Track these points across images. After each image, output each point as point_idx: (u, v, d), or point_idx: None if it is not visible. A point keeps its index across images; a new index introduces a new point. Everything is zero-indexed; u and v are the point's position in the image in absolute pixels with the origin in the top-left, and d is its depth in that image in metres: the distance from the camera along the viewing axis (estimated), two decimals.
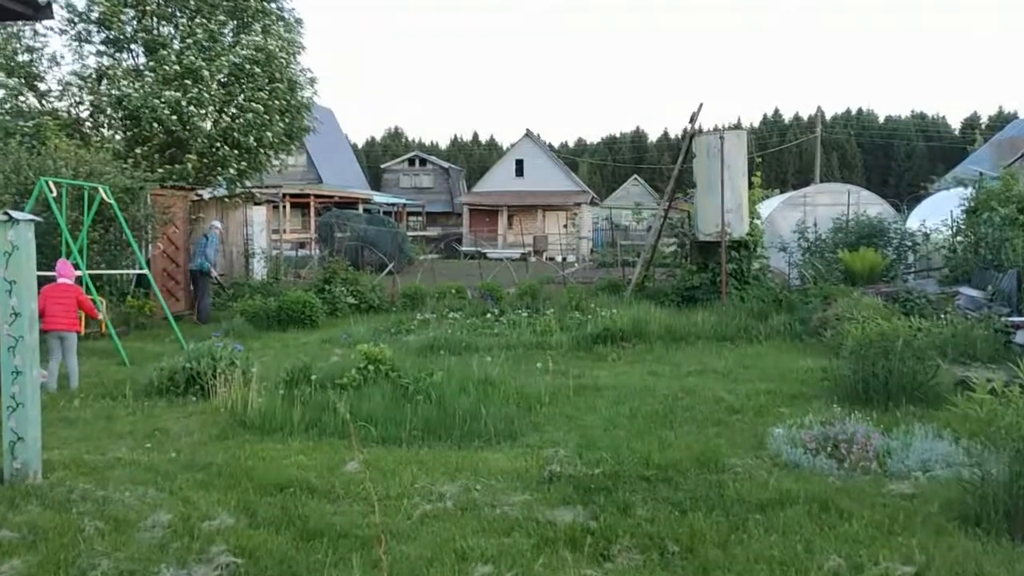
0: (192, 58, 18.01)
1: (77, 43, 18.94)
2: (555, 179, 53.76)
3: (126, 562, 4.32)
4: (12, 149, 14.45)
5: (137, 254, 13.17)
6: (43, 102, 18.66)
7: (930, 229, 17.50)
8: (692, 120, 16.62)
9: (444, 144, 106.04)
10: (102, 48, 19.16)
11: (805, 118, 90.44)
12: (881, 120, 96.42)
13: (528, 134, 56.24)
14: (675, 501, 5.16)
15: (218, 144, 18.47)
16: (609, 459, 6.04)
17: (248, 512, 5.06)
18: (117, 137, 18.86)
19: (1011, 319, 10.51)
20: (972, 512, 4.72)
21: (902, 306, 11.92)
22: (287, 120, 20.04)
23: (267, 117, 18.99)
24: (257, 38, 18.97)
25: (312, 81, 21.16)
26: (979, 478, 4.89)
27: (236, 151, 18.84)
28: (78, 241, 11.91)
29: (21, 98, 18.31)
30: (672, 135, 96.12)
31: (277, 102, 19.34)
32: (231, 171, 19.09)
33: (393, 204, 51.36)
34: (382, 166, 70.60)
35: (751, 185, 16.17)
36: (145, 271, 13.36)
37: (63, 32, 18.87)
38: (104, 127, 19.00)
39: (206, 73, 17.96)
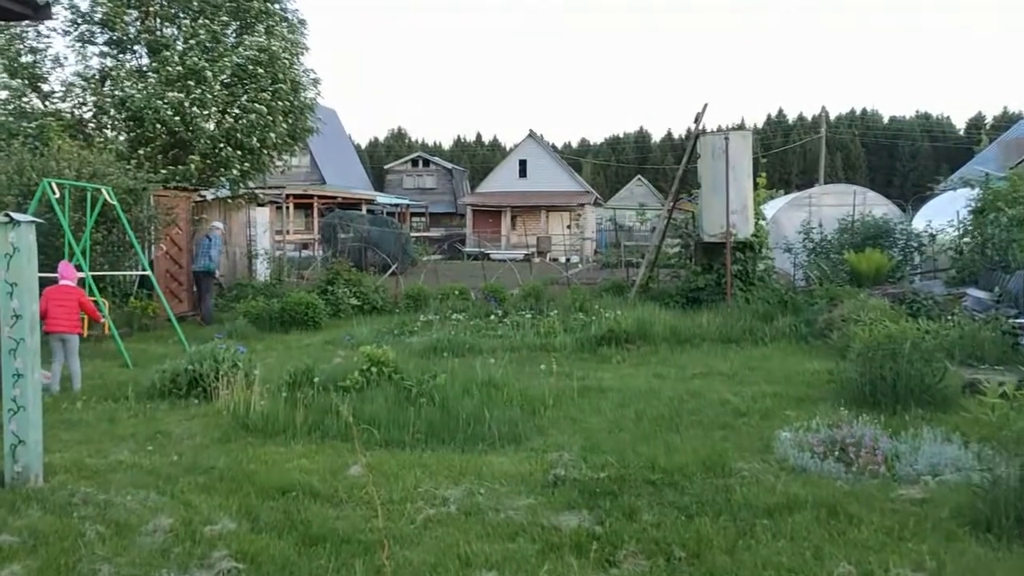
0: (195, 59, 17.98)
1: (80, 44, 18.94)
2: (559, 179, 53.72)
3: (127, 567, 4.28)
4: (15, 150, 14.44)
5: (140, 255, 13.14)
6: (46, 103, 18.65)
7: (936, 230, 17.41)
8: (697, 120, 16.56)
9: (447, 145, 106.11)
10: (105, 49, 19.15)
11: (809, 118, 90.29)
12: (886, 120, 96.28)
13: (531, 134, 56.24)
14: (681, 506, 5.10)
15: (221, 145, 18.43)
16: (614, 463, 5.98)
17: (250, 516, 5.02)
18: (120, 138, 18.84)
19: (1019, 321, 10.43)
20: (983, 517, 4.65)
21: (909, 308, 11.85)
22: (290, 121, 20.01)
23: (270, 118, 18.95)
24: (260, 39, 18.94)
25: (315, 82, 21.16)
26: (990, 482, 4.83)
27: (239, 152, 18.80)
28: (81, 242, 11.89)
29: (24, 99, 18.30)
30: (676, 135, 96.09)
31: (280, 103, 19.31)
32: (234, 172, 19.05)
33: (396, 205, 51.36)
34: (385, 167, 70.61)
35: (756, 186, 16.11)
36: (148, 272, 13.33)
37: (66, 33, 18.87)
38: (107, 128, 18.99)
39: (209, 74, 17.94)
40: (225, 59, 18.34)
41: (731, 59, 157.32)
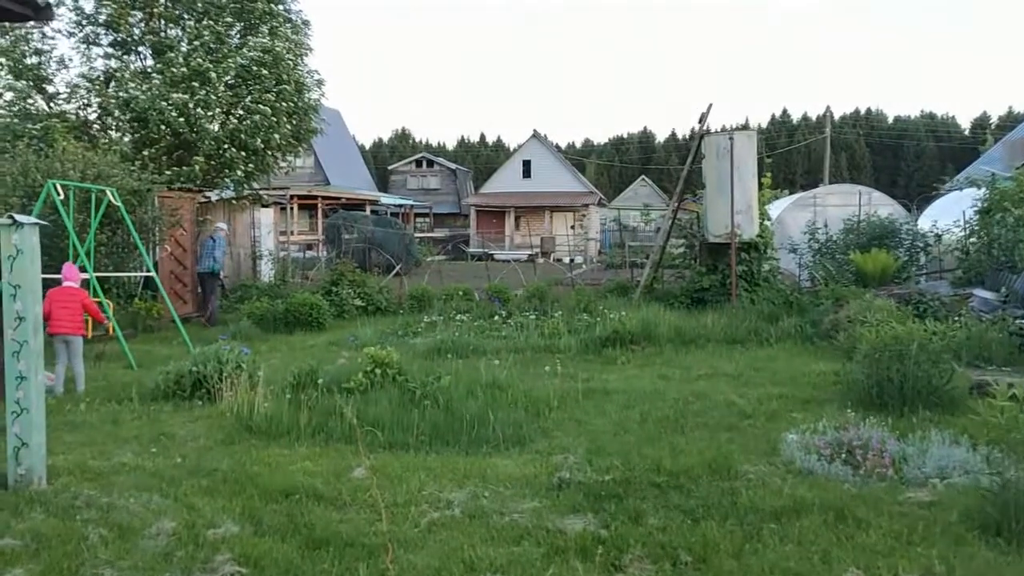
0: (199, 60, 17.99)
1: (85, 45, 18.99)
2: (562, 180, 53.70)
3: (130, 571, 4.26)
4: (20, 151, 14.46)
5: (144, 256, 13.15)
6: (51, 104, 18.69)
7: (942, 230, 17.34)
8: (701, 121, 16.52)
9: (451, 145, 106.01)
10: (110, 50, 19.19)
11: (814, 118, 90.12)
12: (890, 120, 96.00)
13: (535, 135, 56.22)
14: (687, 509, 5.06)
15: (225, 146, 18.44)
16: (619, 465, 5.94)
17: (253, 520, 4.99)
18: (125, 139, 18.86)
19: None
20: (992, 521, 4.60)
21: (915, 308, 11.78)
22: (294, 122, 20.02)
23: (274, 119, 18.97)
24: (264, 40, 18.95)
25: (319, 83, 21.17)
26: (999, 486, 4.78)
27: (243, 153, 18.82)
28: (85, 244, 11.89)
29: (29, 100, 18.35)
30: (680, 135, 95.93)
31: (284, 104, 19.32)
32: (238, 173, 19.07)
33: (400, 205, 51.35)
34: (389, 167, 70.64)
35: (760, 186, 16.06)
36: (152, 273, 13.33)
37: (71, 35, 18.94)
38: (112, 129, 19.02)
39: (213, 75, 17.95)
40: (229, 60, 18.35)
41: (735, 59, 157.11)
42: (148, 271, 13.32)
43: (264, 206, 21.90)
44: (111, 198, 12.03)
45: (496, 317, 14.37)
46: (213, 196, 19.03)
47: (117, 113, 18.13)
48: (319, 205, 37.59)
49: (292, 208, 33.71)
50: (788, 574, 4.12)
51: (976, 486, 5.13)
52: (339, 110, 53.16)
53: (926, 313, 11.50)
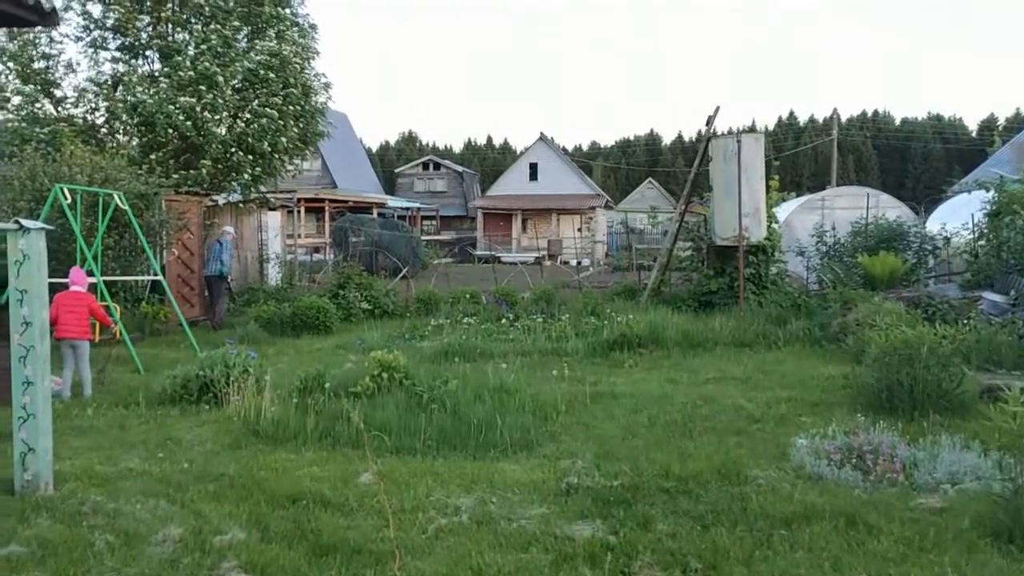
0: (207, 64, 18.03)
1: (93, 50, 19.02)
2: (569, 182, 53.69)
3: None
4: (28, 155, 14.49)
5: (151, 260, 13.16)
6: (59, 108, 18.74)
7: (950, 233, 17.24)
8: (708, 123, 16.47)
9: (458, 148, 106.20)
10: (117, 55, 19.24)
11: (820, 120, 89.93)
12: (897, 122, 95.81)
13: (542, 137, 56.23)
14: (697, 515, 5.02)
15: (232, 150, 18.47)
16: (628, 470, 5.91)
17: (260, 526, 4.97)
18: (132, 143, 18.91)
19: None
20: (1004, 528, 4.56)
21: (924, 311, 11.71)
22: (301, 125, 20.04)
23: (281, 122, 18.99)
24: (271, 44, 18.98)
25: (326, 86, 21.17)
26: (1011, 492, 4.73)
27: (250, 156, 18.83)
28: (93, 248, 11.91)
29: (37, 105, 18.38)
30: (687, 138, 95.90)
31: (291, 107, 19.35)
32: (245, 176, 19.08)
33: (407, 208, 51.42)
34: (396, 170, 70.74)
35: (768, 188, 15.99)
36: (159, 277, 13.35)
37: (79, 39, 19.00)
38: (119, 133, 19.06)
39: (220, 79, 17.98)
40: (236, 64, 18.38)
41: (742, 61, 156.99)
42: (155, 275, 13.32)
43: (271, 209, 21.92)
44: (118, 202, 12.05)
45: (503, 320, 14.33)
46: (220, 200, 19.04)
47: (124, 117, 18.17)
48: (326, 208, 37.64)
49: (299, 211, 33.77)
50: None
51: (988, 492, 5.07)
52: (346, 113, 53.28)
53: (935, 316, 11.43)
